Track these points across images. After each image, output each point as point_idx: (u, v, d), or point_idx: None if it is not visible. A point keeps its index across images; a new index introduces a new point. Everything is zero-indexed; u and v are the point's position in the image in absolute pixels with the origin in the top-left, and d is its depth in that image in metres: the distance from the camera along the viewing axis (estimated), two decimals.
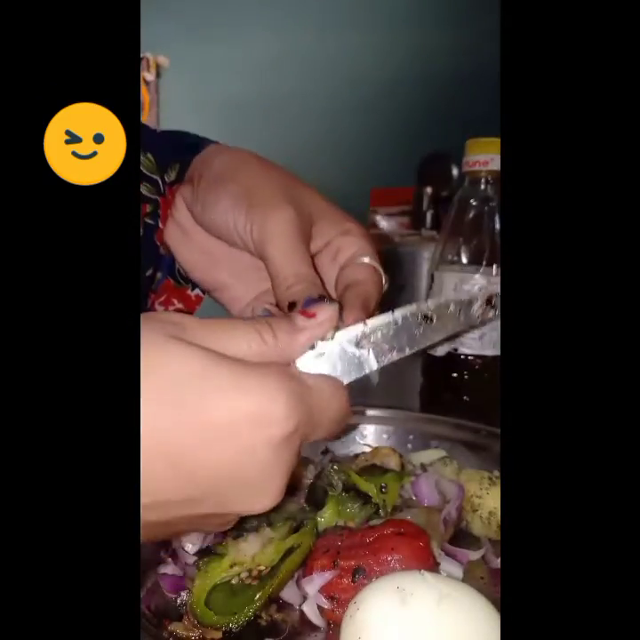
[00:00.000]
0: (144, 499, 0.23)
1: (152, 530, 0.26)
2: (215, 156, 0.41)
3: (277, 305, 0.34)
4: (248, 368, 0.25)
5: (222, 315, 0.43)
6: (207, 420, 0.23)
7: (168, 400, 0.23)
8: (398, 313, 0.32)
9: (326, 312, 0.29)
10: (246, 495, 0.25)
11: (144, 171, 0.43)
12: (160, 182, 0.44)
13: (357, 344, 0.31)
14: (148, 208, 0.43)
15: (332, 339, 0.29)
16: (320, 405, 0.27)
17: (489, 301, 0.36)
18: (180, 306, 0.49)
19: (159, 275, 0.47)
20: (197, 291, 0.48)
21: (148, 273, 0.45)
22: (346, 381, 0.31)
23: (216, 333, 0.26)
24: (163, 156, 0.44)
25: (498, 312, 0.35)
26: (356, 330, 0.31)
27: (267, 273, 0.35)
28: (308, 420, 0.26)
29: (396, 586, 0.31)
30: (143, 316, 0.25)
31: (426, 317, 0.32)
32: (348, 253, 0.37)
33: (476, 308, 0.33)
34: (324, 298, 0.31)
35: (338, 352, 0.30)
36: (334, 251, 0.37)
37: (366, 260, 0.36)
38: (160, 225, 0.44)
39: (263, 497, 0.26)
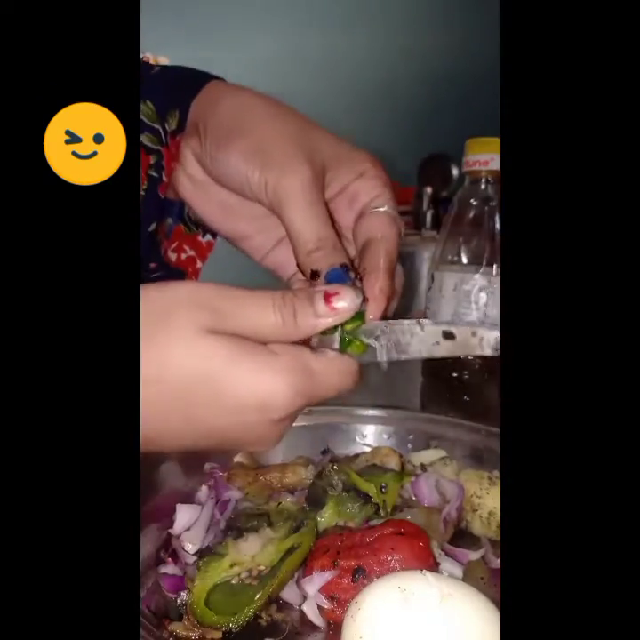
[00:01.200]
0: (178, 443, 0.31)
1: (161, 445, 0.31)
2: (218, 100, 0.39)
3: (299, 267, 0.35)
4: (264, 361, 0.29)
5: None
6: (223, 401, 0.28)
7: (189, 386, 0.28)
8: (424, 324, 0.33)
9: (348, 301, 0.30)
10: (254, 444, 0.32)
11: (144, 119, 0.41)
12: (161, 132, 0.41)
13: (376, 338, 0.32)
14: (152, 159, 0.41)
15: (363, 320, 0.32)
16: (318, 384, 0.30)
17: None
18: (191, 253, 0.47)
19: (170, 220, 0.45)
20: (209, 237, 0.47)
21: (152, 227, 0.43)
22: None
23: (247, 314, 0.29)
24: (162, 102, 0.41)
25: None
26: (378, 326, 0.32)
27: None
28: (307, 402, 0.30)
29: (397, 586, 0.31)
30: (188, 302, 0.28)
31: (447, 334, 0.33)
32: (365, 199, 0.37)
33: (493, 342, 0.33)
34: (346, 267, 0.33)
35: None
36: (350, 196, 0.37)
37: (383, 209, 0.36)
38: (164, 178, 0.42)
39: (268, 445, 0.32)
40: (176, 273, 0.47)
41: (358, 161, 0.37)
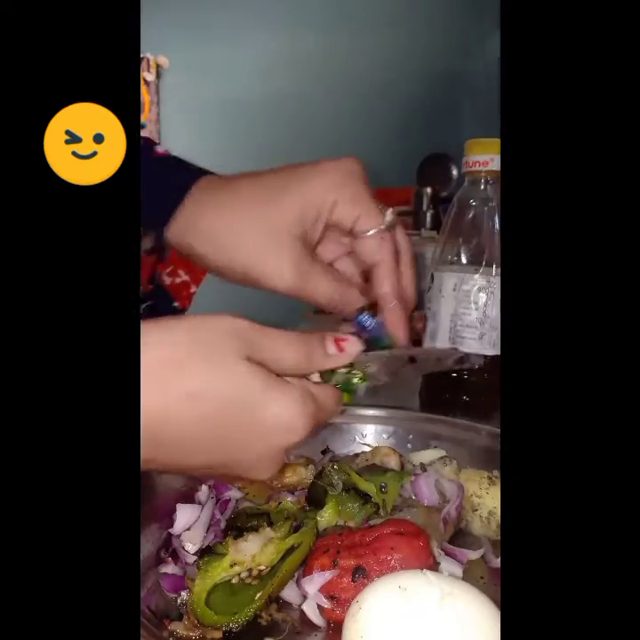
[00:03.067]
0: (191, 462, 0.32)
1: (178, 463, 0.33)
2: (197, 224, 0.42)
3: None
4: (287, 391, 0.32)
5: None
6: (252, 425, 0.31)
7: (229, 410, 0.30)
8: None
9: (353, 348, 0.35)
10: (257, 470, 0.34)
11: None
12: None
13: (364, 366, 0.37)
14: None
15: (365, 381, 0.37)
16: (321, 410, 0.34)
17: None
18: (186, 278, 0.49)
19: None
20: None
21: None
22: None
23: (274, 347, 0.32)
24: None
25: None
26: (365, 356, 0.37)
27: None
28: (314, 426, 0.33)
29: (397, 585, 0.31)
30: (224, 332, 0.31)
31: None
32: (349, 223, 0.41)
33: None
34: (362, 309, 0.39)
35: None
36: (336, 227, 0.41)
37: (370, 232, 0.40)
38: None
39: (268, 473, 0.34)
40: (169, 298, 0.50)
41: (326, 194, 0.40)
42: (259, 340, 0.32)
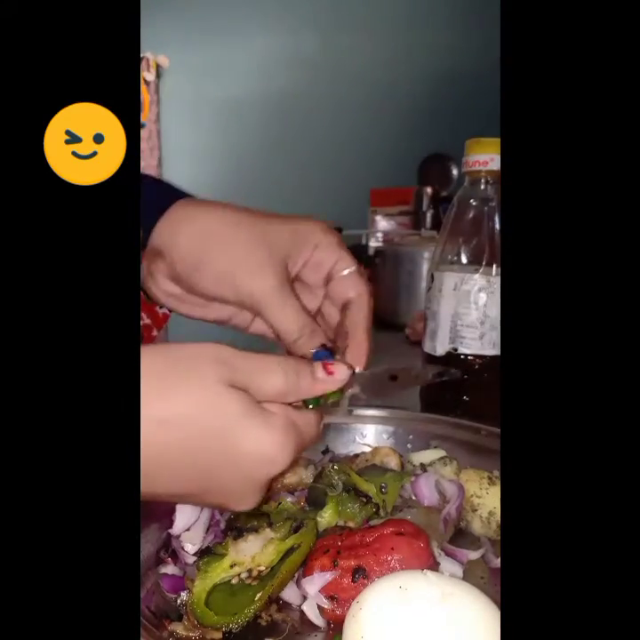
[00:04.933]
0: (170, 489, 0.32)
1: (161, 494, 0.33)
2: (180, 229, 0.42)
3: (288, 353, 0.40)
4: (267, 420, 0.31)
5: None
6: (232, 454, 0.31)
7: (207, 436, 0.30)
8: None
9: (342, 374, 0.36)
10: (238, 501, 0.34)
11: None
12: None
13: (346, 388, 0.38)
14: None
15: (342, 394, 0.37)
16: (303, 438, 0.34)
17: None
18: (148, 322, 0.49)
19: None
20: (165, 309, 0.49)
21: None
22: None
23: (256, 374, 0.32)
24: None
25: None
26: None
27: None
28: (296, 455, 0.33)
29: (398, 585, 0.31)
30: (206, 356, 0.31)
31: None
32: (329, 265, 0.43)
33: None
34: (325, 346, 0.40)
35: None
36: (314, 266, 0.43)
37: (346, 271, 0.42)
38: None
39: (249, 504, 0.34)
40: None
41: (311, 234, 0.42)
42: (242, 367, 0.31)
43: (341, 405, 0.39)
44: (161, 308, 0.49)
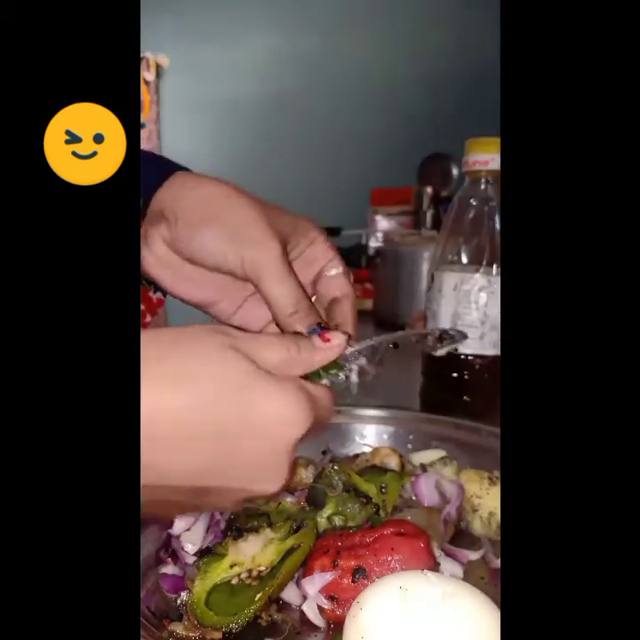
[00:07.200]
0: (191, 465, 0.30)
1: (182, 497, 0.31)
2: (185, 190, 0.42)
3: (279, 328, 0.40)
4: (279, 380, 0.31)
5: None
6: (249, 415, 0.30)
7: (221, 395, 0.29)
8: (376, 339, 0.40)
9: (339, 339, 0.36)
10: (262, 479, 0.32)
11: None
12: None
13: (348, 361, 0.38)
14: None
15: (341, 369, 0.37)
16: (317, 407, 0.33)
17: (440, 338, 0.49)
18: (141, 307, 0.48)
19: None
20: (159, 294, 0.49)
21: None
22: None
23: (258, 345, 0.32)
24: None
25: (445, 347, 0.46)
26: (349, 350, 0.38)
27: (246, 286, 0.42)
28: (313, 423, 0.32)
29: (398, 585, 0.31)
30: (207, 328, 0.31)
31: (394, 344, 0.41)
32: (322, 262, 0.43)
33: (431, 340, 0.42)
34: (320, 324, 0.39)
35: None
36: (307, 260, 0.43)
37: (337, 271, 0.44)
38: None
39: (273, 483, 0.32)
40: None
41: (309, 230, 0.43)
42: (245, 339, 0.31)
43: (351, 387, 0.38)
44: (155, 291, 0.48)
